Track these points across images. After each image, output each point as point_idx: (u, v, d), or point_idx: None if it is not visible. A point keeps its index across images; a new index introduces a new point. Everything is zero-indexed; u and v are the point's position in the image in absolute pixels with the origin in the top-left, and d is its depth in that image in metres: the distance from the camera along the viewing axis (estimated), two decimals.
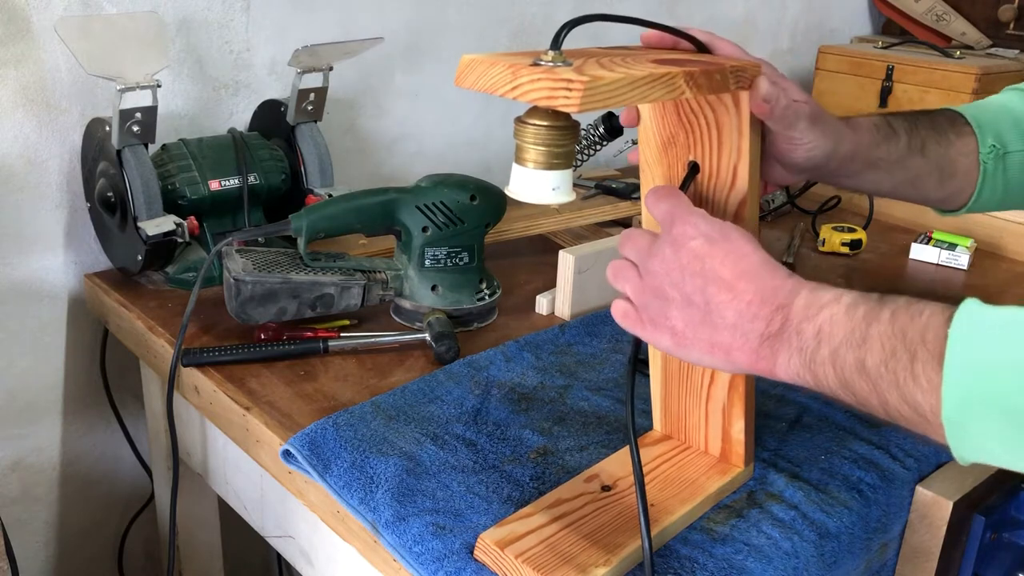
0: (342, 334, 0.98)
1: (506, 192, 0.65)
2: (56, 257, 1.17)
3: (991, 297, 1.20)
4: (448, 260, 1.01)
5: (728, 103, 0.65)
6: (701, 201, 0.69)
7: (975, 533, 0.84)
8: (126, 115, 1.00)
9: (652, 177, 0.71)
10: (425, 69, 1.47)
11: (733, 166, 0.66)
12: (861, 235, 1.35)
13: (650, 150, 0.71)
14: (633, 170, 1.58)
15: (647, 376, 0.81)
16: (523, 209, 1.24)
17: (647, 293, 0.60)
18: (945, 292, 1.23)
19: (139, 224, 1.03)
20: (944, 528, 0.80)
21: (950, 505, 0.80)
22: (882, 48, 1.99)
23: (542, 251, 1.26)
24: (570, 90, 0.53)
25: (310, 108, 1.18)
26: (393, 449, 0.79)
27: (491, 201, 1.01)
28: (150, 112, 1.02)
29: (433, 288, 1.01)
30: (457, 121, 1.55)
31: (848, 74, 1.97)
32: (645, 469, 0.77)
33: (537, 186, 0.63)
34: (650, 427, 0.83)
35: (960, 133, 0.79)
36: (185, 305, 0.96)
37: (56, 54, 1.09)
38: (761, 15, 2.02)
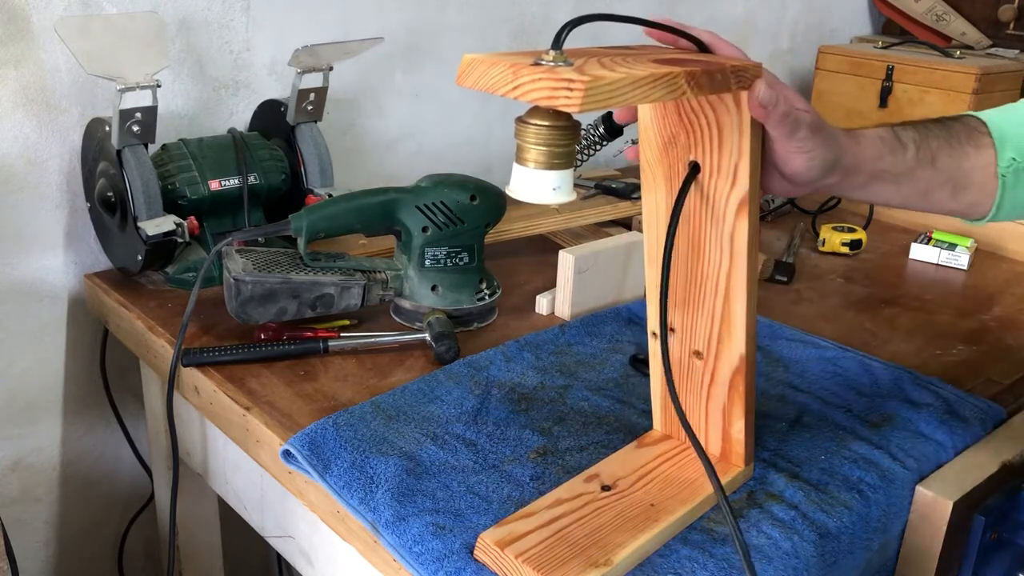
0: (342, 334, 0.98)
1: (506, 192, 0.65)
2: (56, 257, 1.17)
3: (991, 297, 1.21)
4: (448, 260, 1.01)
5: (729, 103, 0.65)
6: (702, 201, 0.69)
7: (975, 533, 0.84)
8: (126, 115, 1.00)
9: (652, 177, 0.71)
10: (425, 69, 1.47)
11: (734, 166, 0.66)
12: (861, 235, 1.35)
13: (651, 150, 0.71)
14: (633, 170, 1.58)
15: (647, 376, 0.81)
16: (523, 209, 1.24)
17: None
18: (945, 292, 1.23)
19: (139, 224, 1.03)
20: (944, 528, 0.80)
21: (950, 505, 0.80)
22: (882, 48, 1.99)
23: (542, 251, 1.26)
24: (571, 90, 0.53)
25: (310, 108, 1.18)
26: (393, 449, 0.79)
27: (491, 201, 1.01)
28: (150, 112, 1.02)
29: (433, 288, 1.01)
30: (457, 121, 1.55)
31: (848, 74, 1.97)
32: (646, 469, 0.77)
33: (538, 186, 0.63)
34: (650, 427, 0.83)
35: (979, 145, 0.76)
36: (185, 305, 0.96)
37: (56, 54, 1.09)
38: (761, 15, 2.02)
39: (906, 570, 0.84)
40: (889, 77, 1.90)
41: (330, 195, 1.14)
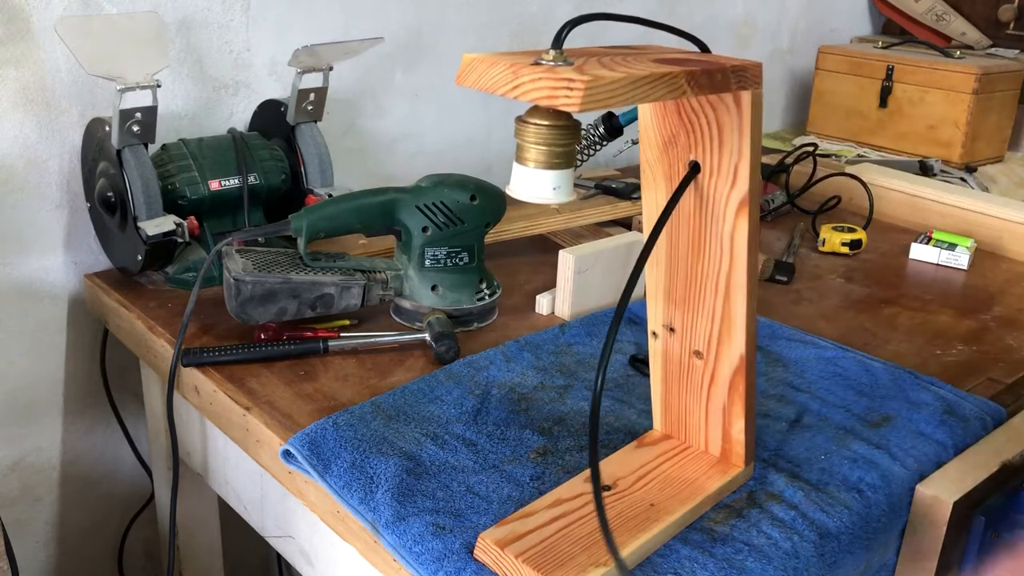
0: (342, 334, 0.98)
1: (507, 191, 0.65)
2: (56, 257, 1.17)
3: (991, 297, 1.21)
4: (448, 260, 1.01)
5: (729, 103, 0.65)
6: (702, 201, 0.69)
7: (975, 533, 0.84)
8: (126, 115, 1.00)
9: (653, 176, 0.71)
10: (425, 69, 1.47)
11: (734, 166, 0.66)
12: (861, 235, 1.35)
13: (651, 150, 0.71)
14: (633, 170, 1.58)
15: (647, 376, 0.81)
16: (523, 209, 1.24)
17: None
18: (945, 292, 1.23)
19: (139, 224, 1.03)
20: (944, 528, 0.80)
21: (950, 505, 0.80)
22: (882, 48, 1.99)
23: (542, 251, 1.26)
24: (571, 90, 0.53)
25: (310, 108, 1.18)
26: (393, 449, 0.79)
27: (491, 201, 1.01)
28: (150, 112, 1.02)
29: (433, 288, 1.01)
30: (457, 121, 1.55)
31: (848, 74, 1.97)
32: (645, 468, 0.77)
33: (538, 186, 0.63)
34: (650, 427, 0.83)
35: None
36: (185, 305, 0.96)
37: (56, 54, 1.09)
38: (761, 15, 2.02)
39: (906, 570, 0.84)
40: (889, 77, 1.90)
41: (330, 195, 1.14)
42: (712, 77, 0.61)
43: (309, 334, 0.97)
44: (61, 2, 1.08)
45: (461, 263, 1.02)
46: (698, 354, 0.75)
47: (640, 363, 0.96)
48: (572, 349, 1.00)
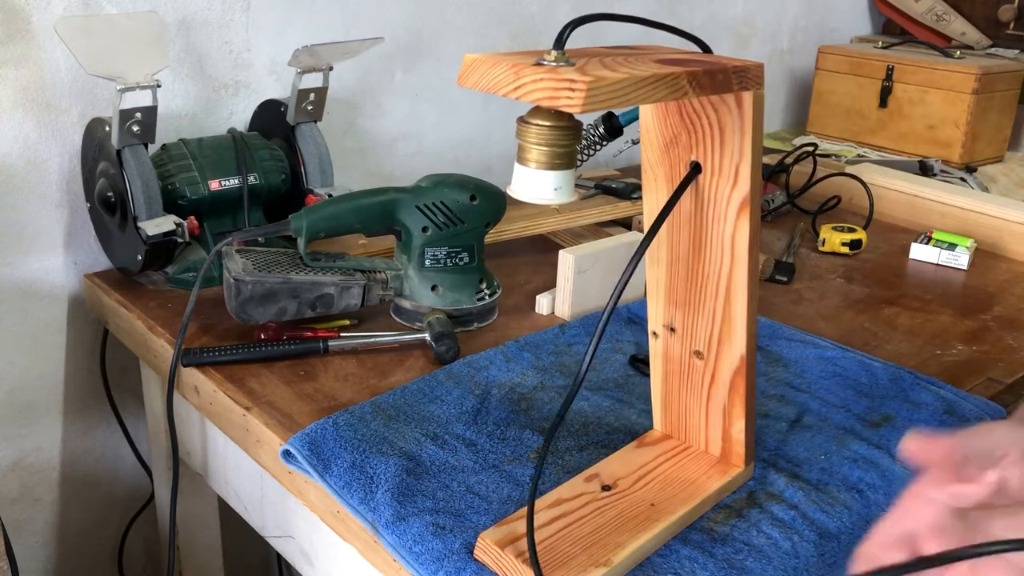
0: (342, 334, 0.98)
1: (508, 192, 0.65)
2: (56, 257, 1.17)
3: (991, 297, 1.21)
4: (448, 260, 1.01)
5: (731, 103, 0.65)
6: (703, 202, 0.69)
7: None
8: (126, 115, 1.00)
9: (654, 177, 0.72)
10: (425, 69, 1.47)
11: (735, 166, 0.66)
12: (861, 235, 1.35)
13: (652, 150, 0.71)
14: (633, 170, 1.58)
15: (647, 376, 0.81)
16: (523, 209, 1.24)
17: None
18: (945, 292, 1.23)
19: (139, 224, 1.03)
20: None
21: None
22: (882, 48, 1.99)
23: (542, 251, 1.26)
24: (573, 90, 0.53)
25: (310, 108, 1.18)
26: (393, 449, 0.79)
27: (491, 201, 1.01)
28: (150, 112, 1.02)
29: (433, 288, 1.01)
30: (457, 121, 1.55)
31: (848, 74, 1.97)
32: (645, 469, 0.77)
33: (539, 186, 0.63)
34: (650, 427, 0.83)
35: None
36: (185, 305, 0.96)
37: (56, 54, 1.09)
38: (761, 15, 2.02)
39: None
40: (889, 77, 1.90)
41: (330, 195, 1.14)
42: (714, 78, 0.61)
43: (309, 334, 0.97)
44: (61, 2, 1.08)
45: (461, 263, 1.02)
46: (698, 354, 0.75)
47: (640, 363, 0.96)
48: (572, 349, 1.00)
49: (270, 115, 1.21)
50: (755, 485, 0.78)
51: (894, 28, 2.27)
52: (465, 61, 0.58)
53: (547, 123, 0.61)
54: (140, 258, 1.05)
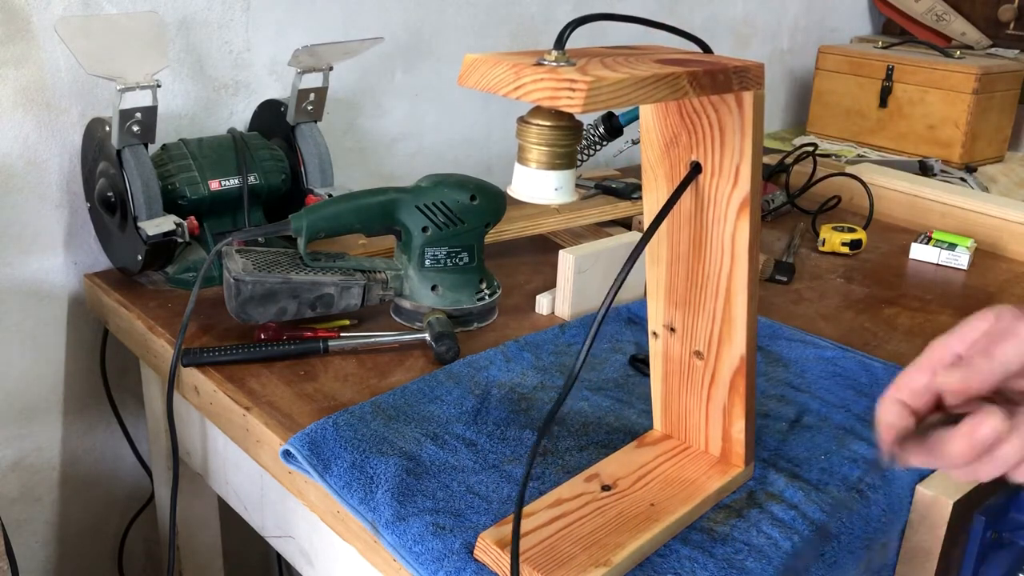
0: (342, 334, 0.98)
1: (508, 192, 0.65)
2: (56, 257, 1.17)
3: (991, 297, 1.21)
4: (448, 260, 1.01)
5: (731, 103, 0.65)
6: (703, 202, 0.69)
7: (975, 533, 0.84)
8: (126, 115, 1.00)
9: (654, 177, 0.72)
10: (425, 69, 1.47)
11: (735, 166, 0.66)
12: (861, 235, 1.35)
13: (652, 150, 0.71)
14: (633, 170, 1.58)
15: (647, 376, 0.81)
16: (523, 209, 1.24)
17: None
18: (945, 292, 1.23)
19: (139, 224, 1.03)
20: (944, 528, 0.80)
21: (950, 505, 0.80)
22: (882, 48, 1.99)
23: (542, 251, 1.26)
24: (573, 90, 0.53)
25: (310, 108, 1.18)
26: (393, 449, 0.79)
27: (491, 201, 1.01)
28: (150, 112, 1.01)
29: (433, 288, 1.01)
30: (457, 121, 1.55)
31: (848, 74, 1.97)
32: (646, 469, 0.77)
33: (540, 186, 0.63)
34: (650, 427, 0.83)
35: None
36: (185, 305, 0.96)
37: (56, 54, 1.09)
38: (761, 15, 2.02)
39: (906, 570, 0.84)
40: (889, 77, 1.90)
41: (330, 195, 1.14)
42: (714, 78, 0.61)
43: (309, 334, 0.97)
44: (61, 2, 1.08)
45: (461, 263, 1.02)
46: (699, 354, 0.75)
47: (640, 363, 0.96)
48: (572, 349, 1.00)
49: (270, 115, 1.21)
50: (755, 485, 0.78)
51: (894, 28, 2.27)
52: (465, 61, 0.58)
53: (547, 123, 0.61)
54: (140, 258, 1.05)
